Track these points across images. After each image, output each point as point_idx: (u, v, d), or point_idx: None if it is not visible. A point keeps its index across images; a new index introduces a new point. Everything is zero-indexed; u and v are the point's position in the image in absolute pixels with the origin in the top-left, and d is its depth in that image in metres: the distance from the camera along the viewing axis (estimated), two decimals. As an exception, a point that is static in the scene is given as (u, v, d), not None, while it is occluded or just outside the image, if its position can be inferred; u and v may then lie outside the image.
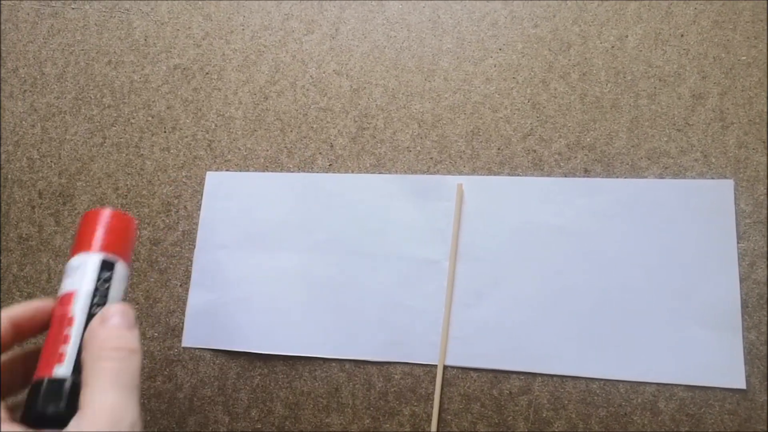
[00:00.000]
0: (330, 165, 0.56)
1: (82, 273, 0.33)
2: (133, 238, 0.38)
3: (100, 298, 0.33)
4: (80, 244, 0.35)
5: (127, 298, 0.52)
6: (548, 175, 0.52)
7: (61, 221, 0.60)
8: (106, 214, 0.36)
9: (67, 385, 0.30)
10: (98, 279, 0.34)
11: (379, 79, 0.57)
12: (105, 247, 0.35)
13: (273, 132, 0.58)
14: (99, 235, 0.35)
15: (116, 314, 0.32)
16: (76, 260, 0.34)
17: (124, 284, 0.35)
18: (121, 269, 0.35)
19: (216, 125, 0.59)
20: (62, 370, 0.30)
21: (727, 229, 0.48)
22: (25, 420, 0.29)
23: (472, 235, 0.51)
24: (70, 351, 0.31)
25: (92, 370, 0.29)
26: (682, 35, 0.53)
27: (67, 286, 0.33)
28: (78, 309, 0.32)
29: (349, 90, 0.57)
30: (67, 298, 0.33)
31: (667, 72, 0.52)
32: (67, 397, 0.29)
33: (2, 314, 0.32)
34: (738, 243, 0.47)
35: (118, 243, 0.36)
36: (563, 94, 0.53)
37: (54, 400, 0.29)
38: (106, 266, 0.34)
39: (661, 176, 0.50)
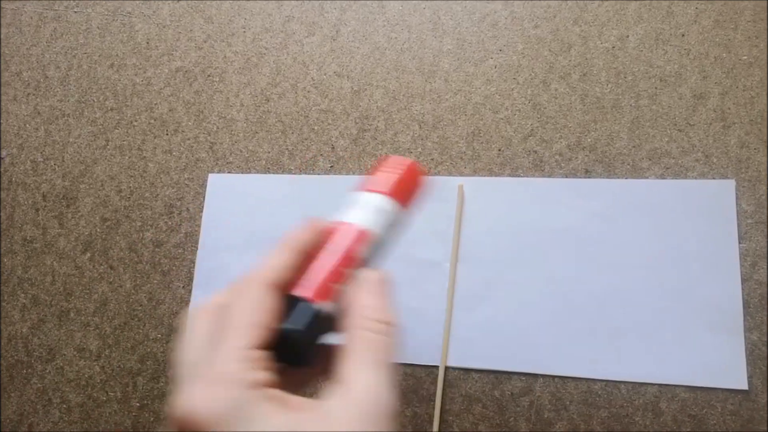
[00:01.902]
0: (331, 166, 0.56)
1: (380, 216, 0.31)
2: (419, 194, 0.35)
3: (381, 253, 0.31)
4: (383, 184, 0.33)
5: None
6: (549, 176, 0.52)
7: (64, 224, 0.60)
8: (412, 167, 0.34)
9: (327, 323, 0.28)
10: (389, 231, 0.32)
11: (379, 80, 0.57)
12: (404, 201, 0.33)
13: (274, 134, 0.58)
14: (404, 185, 0.33)
15: (380, 282, 0.29)
16: (377, 199, 0.32)
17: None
18: (403, 228, 0.33)
19: (218, 127, 0.59)
20: (327, 306, 0.28)
21: (729, 230, 0.48)
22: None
23: (473, 236, 0.51)
24: (341, 292, 0.28)
25: (356, 339, 0.27)
26: (683, 35, 0.52)
27: (359, 218, 0.31)
28: (365, 253, 0.30)
29: (350, 92, 0.57)
30: (354, 233, 0.30)
31: (668, 72, 0.52)
32: (318, 334, 0.28)
33: (290, 245, 0.29)
34: (739, 243, 0.47)
35: (413, 199, 0.34)
36: (564, 95, 0.53)
37: (309, 330, 0.27)
38: (400, 221, 0.33)
39: (662, 177, 0.50)
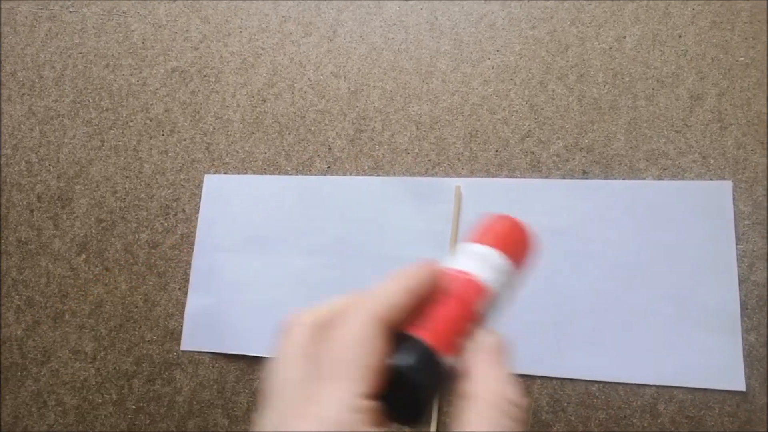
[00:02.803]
0: (328, 167, 0.56)
1: (497, 274, 0.28)
2: (529, 260, 0.32)
3: (496, 311, 0.29)
4: (497, 241, 0.30)
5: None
6: (546, 177, 0.52)
7: (59, 225, 0.60)
8: (526, 228, 0.31)
9: (443, 379, 0.25)
10: (504, 291, 0.29)
11: (377, 81, 0.57)
12: (518, 263, 0.30)
13: (271, 135, 0.58)
14: (519, 246, 0.30)
15: (505, 351, 0.25)
16: (493, 254, 0.29)
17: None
18: (515, 293, 0.30)
19: (214, 128, 0.59)
20: (449, 360, 0.25)
21: (726, 231, 0.48)
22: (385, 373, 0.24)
23: (471, 237, 0.51)
24: (462, 347, 0.25)
25: (484, 417, 0.23)
26: (680, 36, 0.52)
27: (476, 270, 0.28)
28: (484, 308, 0.27)
29: (346, 92, 0.57)
30: (474, 285, 0.27)
31: (665, 73, 0.52)
32: (434, 388, 0.24)
33: (405, 285, 0.26)
34: (737, 244, 0.47)
35: (525, 263, 0.31)
36: (561, 96, 0.53)
37: (429, 377, 0.24)
38: (513, 283, 0.30)
39: (659, 177, 0.50)
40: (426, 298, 0.26)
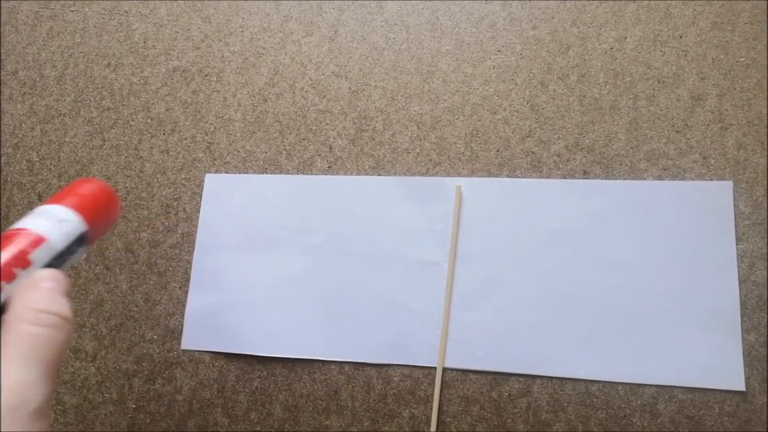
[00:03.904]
0: (329, 167, 0.56)
1: (61, 228, 0.33)
2: (109, 222, 0.37)
3: (58, 261, 0.32)
4: (70, 198, 0.34)
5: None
6: (547, 177, 0.52)
7: (60, 224, 0.60)
8: (104, 189, 0.36)
9: None
10: (71, 247, 0.33)
11: (378, 80, 0.57)
12: (92, 221, 0.34)
13: (272, 134, 0.58)
14: (92, 204, 0.35)
15: (49, 279, 0.29)
16: (61, 211, 0.33)
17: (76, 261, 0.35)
18: (86, 248, 0.34)
19: (215, 127, 0.59)
20: None
21: (726, 231, 0.48)
22: None
23: (471, 237, 0.51)
24: (6, 290, 0.28)
25: (11, 333, 0.25)
26: (680, 37, 0.53)
27: (38, 226, 0.32)
28: (40, 258, 0.31)
29: (348, 92, 0.57)
30: (32, 238, 0.31)
31: (666, 73, 0.52)
32: None
33: None
34: (737, 244, 0.47)
35: (102, 224, 0.35)
36: (562, 96, 0.53)
37: None
38: (82, 240, 0.34)
39: (660, 178, 0.50)
40: None
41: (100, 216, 0.35)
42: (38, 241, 0.31)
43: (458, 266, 0.51)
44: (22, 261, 0.30)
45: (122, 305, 0.57)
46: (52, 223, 0.33)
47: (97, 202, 0.36)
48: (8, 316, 0.26)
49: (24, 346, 0.25)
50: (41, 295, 0.27)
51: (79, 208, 0.34)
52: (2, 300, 0.28)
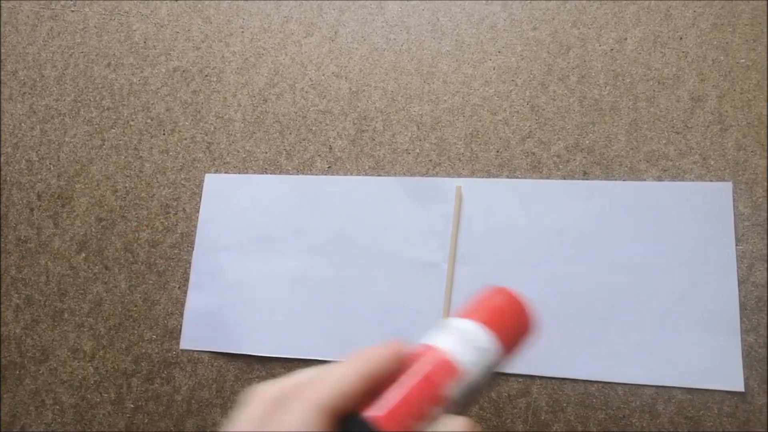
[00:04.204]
0: (329, 167, 0.56)
1: (477, 353, 0.26)
2: (524, 343, 0.29)
3: (470, 395, 0.26)
4: (489, 318, 0.27)
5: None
6: (547, 178, 0.52)
7: (59, 223, 0.60)
8: (526, 307, 0.28)
9: None
10: (484, 374, 0.26)
11: (378, 81, 0.57)
12: (508, 345, 0.27)
13: (272, 134, 0.58)
14: (511, 325, 0.27)
15: None
16: (479, 332, 0.26)
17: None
18: (494, 372, 0.28)
19: (215, 127, 0.59)
20: None
21: (726, 232, 0.48)
22: None
23: (471, 237, 0.51)
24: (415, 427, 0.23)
25: None
26: (680, 38, 0.53)
27: (449, 346, 0.26)
28: (453, 392, 0.25)
29: (348, 92, 0.57)
30: (446, 366, 0.25)
31: (666, 75, 0.52)
32: None
33: (361, 369, 0.24)
34: (736, 245, 0.47)
35: (516, 345, 0.28)
36: (562, 97, 0.53)
37: None
38: (495, 365, 0.27)
39: (659, 179, 0.50)
40: (392, 378, 0.24)
41: (516, 343, 0.28)
42: (452, 371, 0.25)
43: (458, 266, 0.51)
44: (436, 397, 0.24)
45: (121, 305, 0.56)
46: (468, 346, 0.26)
47: (517, 325, 0.28)
48: None
49: None
50: None
51: (499, 332, 0.27)
52: None
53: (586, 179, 0.51)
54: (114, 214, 0.59)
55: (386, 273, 0.52)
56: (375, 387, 0.24)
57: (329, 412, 0.23)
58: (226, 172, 0.58)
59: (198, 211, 0.57)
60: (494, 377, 0.27)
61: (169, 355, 0.54)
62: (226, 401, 0.52)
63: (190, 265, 0.56)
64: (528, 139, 0.53)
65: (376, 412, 0.23)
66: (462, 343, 0.26)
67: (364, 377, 0.24)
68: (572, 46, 0.54)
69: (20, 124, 0.63)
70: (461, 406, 0.25)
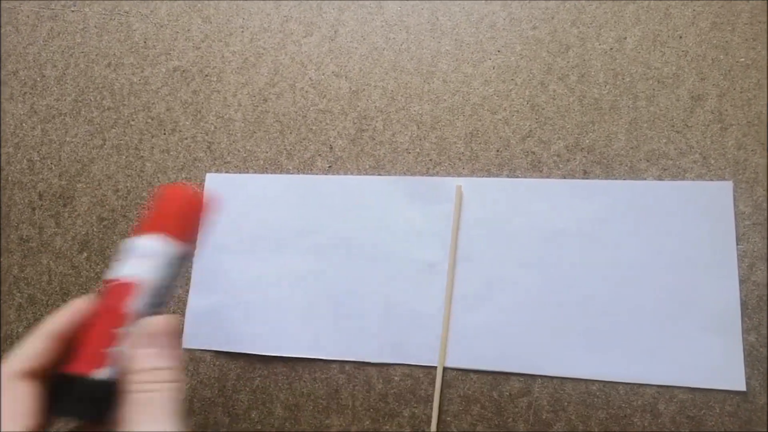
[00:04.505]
0: (329, 167, 0.56)
1: (148, 261, 0.29)
2: (203, 222, 0.32)
3: (159, 297, 0.29)
4: (151, 223, 0.30)
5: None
6: (547, 177, 0.52)
7: (61, 223, 0.60)
8: (185, 193, 0.31)
9: (104, 390, 0.26)
10: (165, 273, 0.29)
11: (378, 80, 0.57)
12: (184, 236, 0.30)
13: (272, 134, 0.58)
14: (174, 217, 0.30)
15: (166, 333, 0.28)
16: (144, 242, 0.29)
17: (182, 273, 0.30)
18: (188, 261, 0.31)
19: (215, 127, 0.59)
20: (102, 373, 0.27)
21: (727, 231, 0.48)
22: (52, 413, 0.26)
23: (472, 237, 0.51)
24: (115, 354, 0.27)
25: (140, 398, 0.26)
26: (680, 37, 0.53)
27: (124, 270, 0.29)
28: (135, 306, 0.28)
29: (348, 92, 0.57)
30: (122, 288, 0.28)
31: (666, 74, 0.52)
32: (101, 402, 0.26)
33: (43, 330, 0.28)
34: (737, 245, 0.47)
35: (191, 228, 0.31)
36: (562, 96, 0.53)
37: (87, 403, 0.26)
38: (177, 257, 0.30)
39: (660, 178, 0.50)
40: (85, 327, 0.28)
41: (192, 230, 0.31)
42: (131, 290, 0.28)
43: (458, 266, 0.51)
44: (121, 319, 0.28)
45: (123, 305, 0.57)
46: (142, 261, 0.29)
47: (185, 216, 0.31)
48: (134, 377, 0.27)
49: (158, 408, 0.26)
50: (161, 357, 0.27)
51: (170, 231, 0.30)
52: (116, 368, 0.27)
53: (587, 178, 0.51)
54: (115, 213, 0.59)
55: (387, 272, 0.52)
56: (67, 342, 0.28)
57: (24, 376, 0.26)
58: (226, 172, 0.58)
59: (199, 211, 0.57)
60: (189, 261, 0.31)
61: (171, 354, 0.55)
62: (228, 400, 0.53)
63: (191, 265, 0.56)
64: (528, 139, 0.53)
65: (72, 362, 0.26)
66: (133, 259, 0.29)
67: (48, 336, 0.27)
68: (572, 45, 0.54)
69: (21, 124, 0.63)
70: (156, 306, 0.29)
